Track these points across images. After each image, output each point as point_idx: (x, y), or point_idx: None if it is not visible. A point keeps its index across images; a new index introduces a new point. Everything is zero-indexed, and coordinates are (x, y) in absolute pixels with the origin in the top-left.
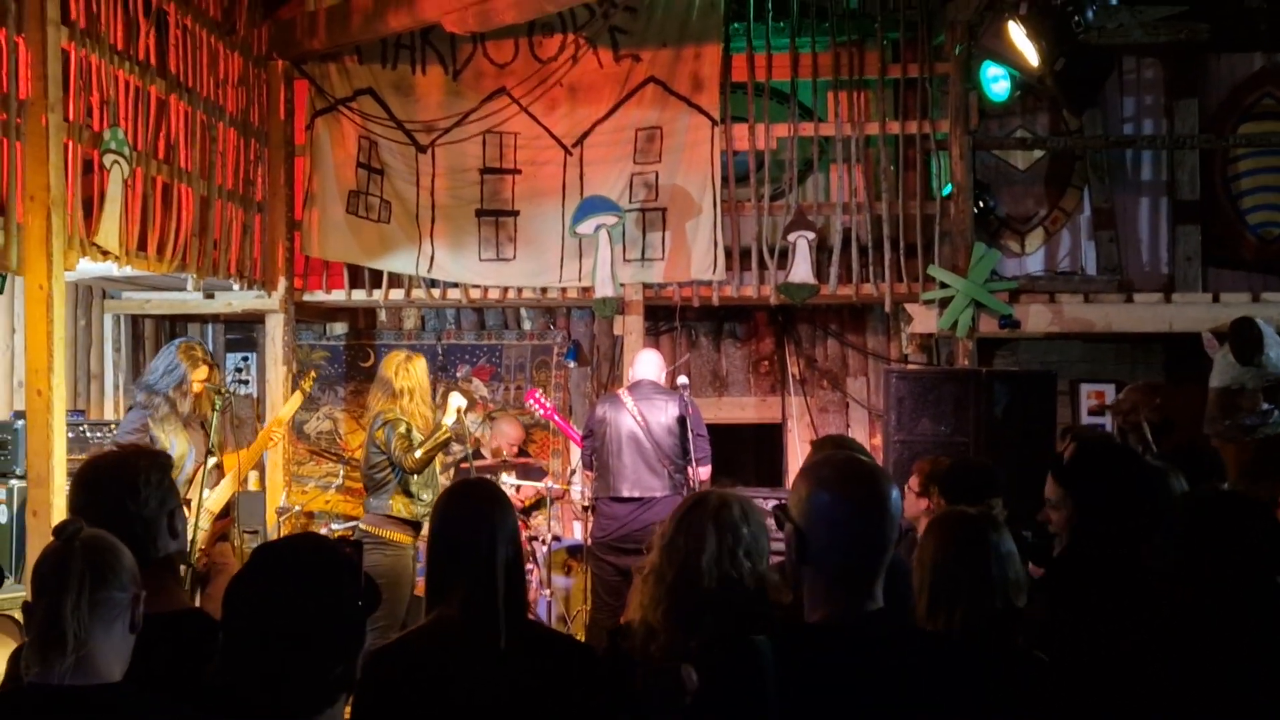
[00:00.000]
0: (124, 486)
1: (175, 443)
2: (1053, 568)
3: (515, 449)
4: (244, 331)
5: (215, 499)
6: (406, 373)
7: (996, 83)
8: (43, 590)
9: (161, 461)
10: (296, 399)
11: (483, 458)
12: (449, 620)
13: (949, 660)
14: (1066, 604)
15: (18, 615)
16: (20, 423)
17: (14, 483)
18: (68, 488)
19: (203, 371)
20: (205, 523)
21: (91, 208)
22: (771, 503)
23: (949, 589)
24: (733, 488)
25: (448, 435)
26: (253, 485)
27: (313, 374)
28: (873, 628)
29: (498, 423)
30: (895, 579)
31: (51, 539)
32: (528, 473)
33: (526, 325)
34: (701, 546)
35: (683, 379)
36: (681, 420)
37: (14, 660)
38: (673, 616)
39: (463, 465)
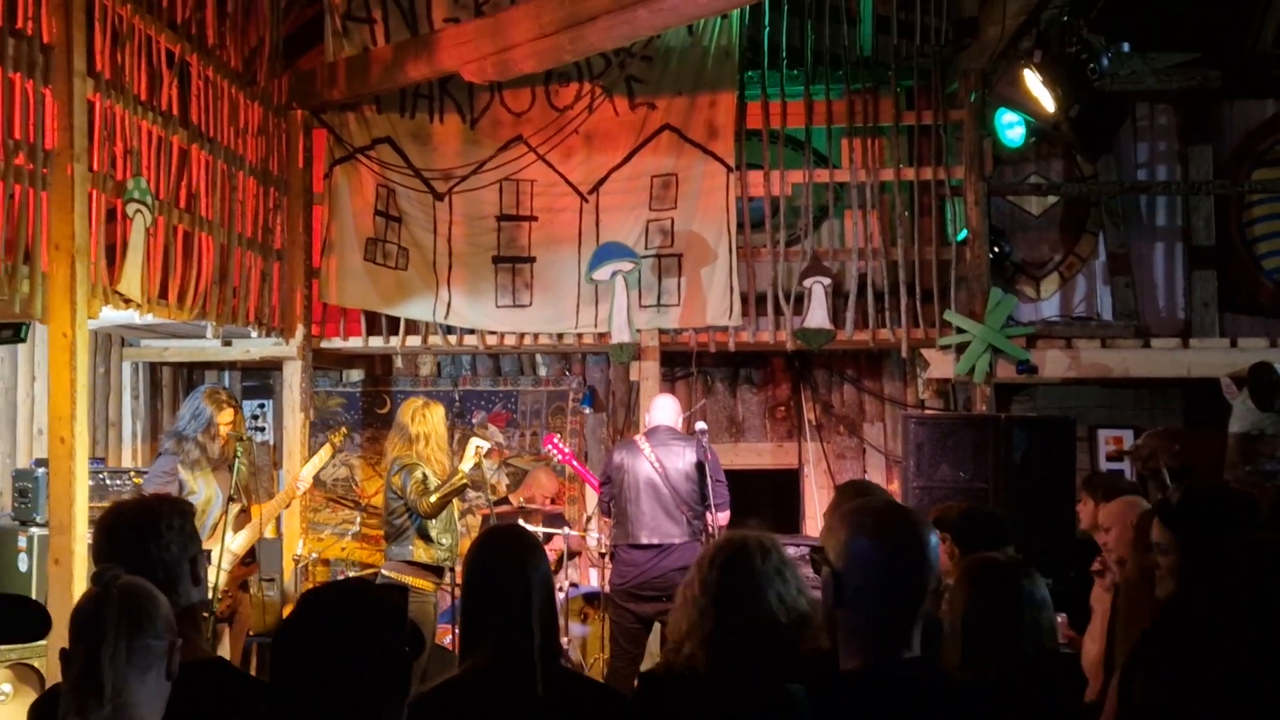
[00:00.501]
0: (146, 531)
1: (203, 487)
2: (1164, 615)
3: (549, 500)
4: (261, 379)
5: (240, 543)
6: (423, 419)
7: (1011, 129)
8: (80, 637)
9: (183, 508)
10: (325, 453)
11: (507, 504)
12: (482, 669)
13: (985, 712)
14: (1180, 651)
15: (38, 664)
16: (41, 470)
17: (35, 530)
18: (89, 535)
19: (228, 414)
20: (228, 564)
21: (114, 256)
22: (790, 549)
23: (981, 637)
24: (759, 529)
25: (464, 481)
26: (269, 533)
27: (344, 430)
28: (909, 676)
29: (534, 473)
30: (928, 632)
31: (89, 585)
32: (550, 521)
33: (542, 371)
34: (737, 586)
35: (701, 424)
36: (700, 466)
37: (35, 711)
38: (713, 657)
39: (483, 512)
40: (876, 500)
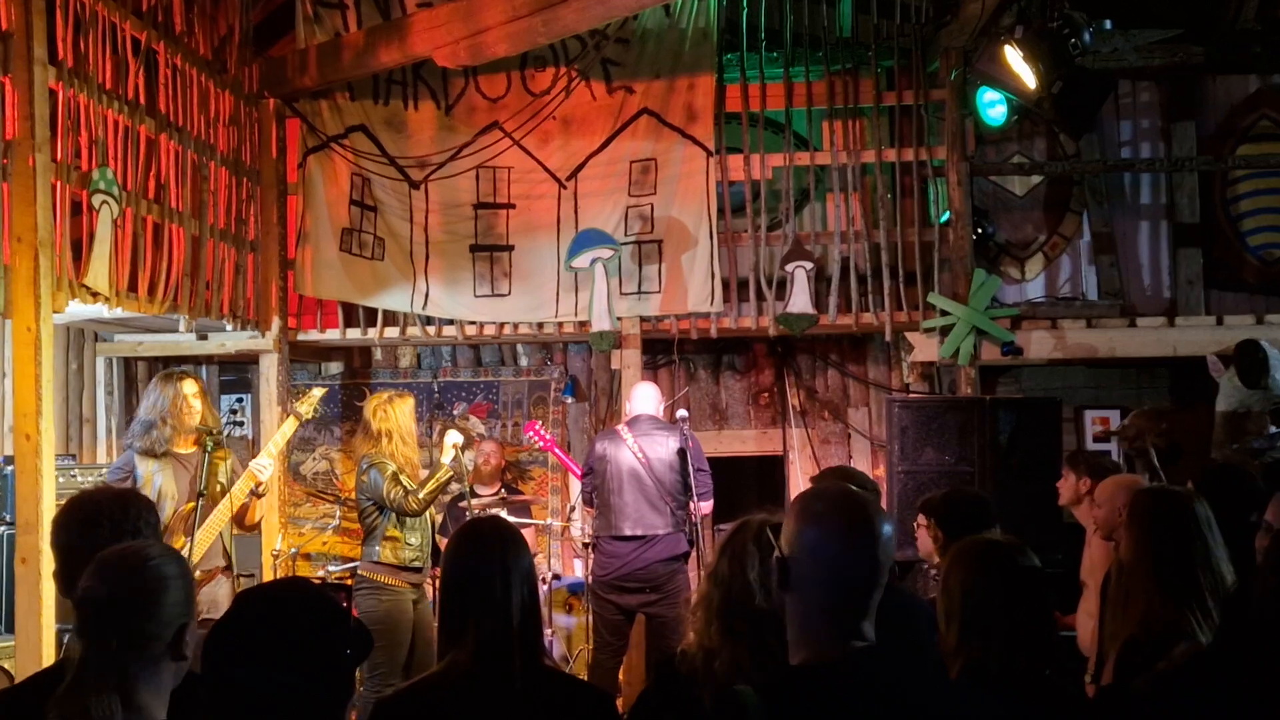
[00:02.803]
0: (125, 526)
1: (160, 480)
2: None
3: (490, 463)
4: (238, 373)
5: (195, 547)
6: (385, 414)
7: (993, 107)
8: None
9: (152, 504)
10: (290, 426)
11: (478, 495)
12: (461, 665)
13: (947, 695)
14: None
15: (8, 665)
16: (9, 468)
17: (2, 529)
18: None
19: (189, 384)
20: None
21: (80, 249)
22: None
23: (981, 619)
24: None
25: (449, 475)
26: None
27: (312, 395)
28: (861, 667)
29: (479, 443)
30: (912, 616)
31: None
32: (518, 511)
33: (523, 361)
34: (747, 565)
35: (682, 412)
36: (682, 453)
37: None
38: (729, 635)
39: (460, 505)
40: (831, 486)
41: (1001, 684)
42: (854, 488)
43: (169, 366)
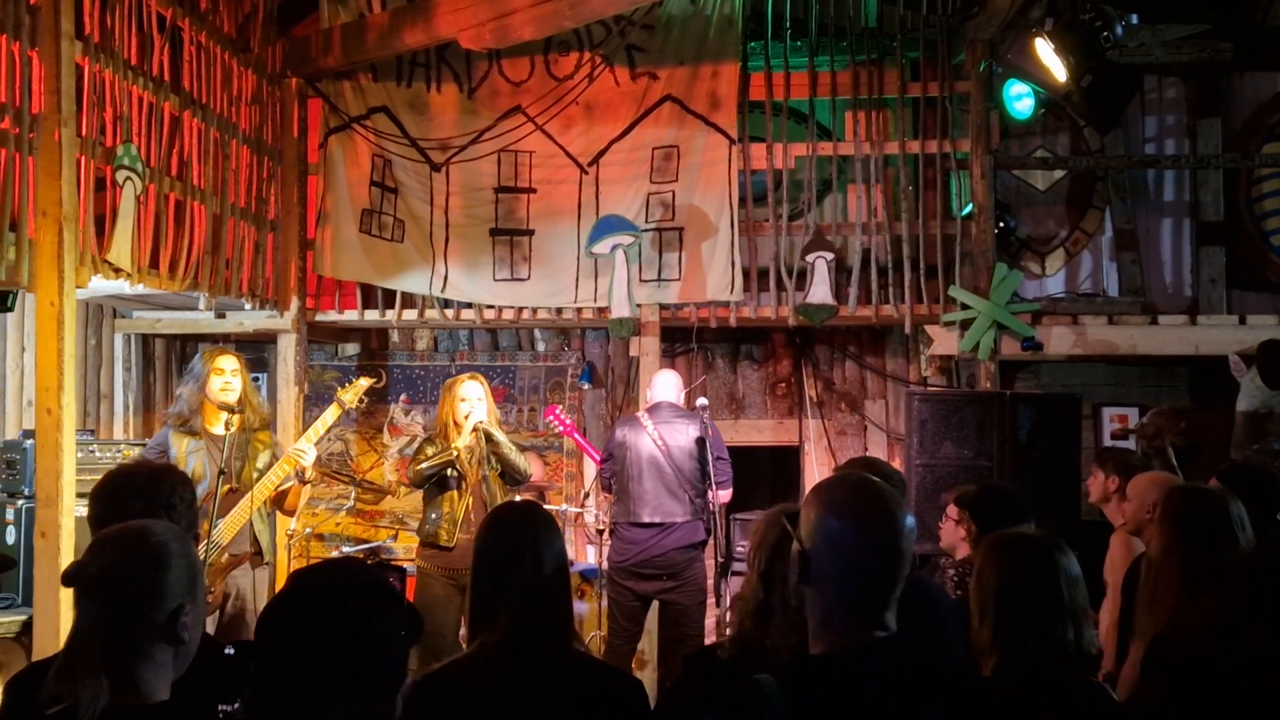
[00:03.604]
0: (157, 501)
1: (193, 460)
2: None
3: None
4: (255, 352)
5: (223, 530)
6: (441, 400)
7: (1020, 100)
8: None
9: (188, 481)
10: (333, 414)
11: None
12: (492, 648)
13: (966, 687)
14: None
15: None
16: (29, 442)
17: (21, 503)
18: (78, 508)
19: (226, 360)
20: (213, 556)
21: (104, 224)
22: None
23: (1015, 615)
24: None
25: (449, 458)
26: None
27: (359, 382)
28: (881, 658)
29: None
30: (933, 609)
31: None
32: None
33: (540, 346)
34: (781, 555)
35: (702, 400)
36: (701, 442)
37: (13, 686)
38: (772, 627)
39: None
40: (850, 476)
41: (1035, 681)
42: (874, 478)
43: (187, 344)
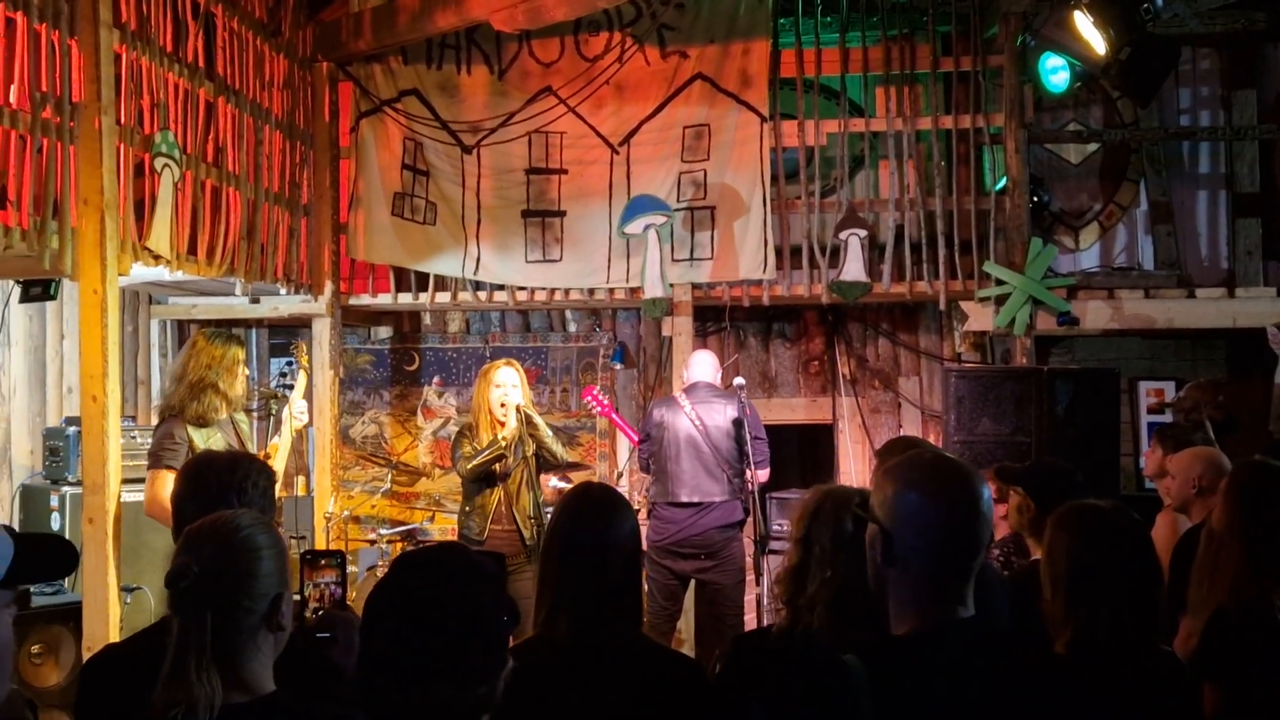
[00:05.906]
0: (230, 485)
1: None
2: None
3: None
4: (289, 336)
5: None
6: (476, 387)
7: (1056, 74)
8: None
9: (268, 471)
10: (302, 379)
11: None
12: (557, 632)
13: (1051, 669)
14: None
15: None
16: (72, 429)
17: (66, 489)
18: (123, 494)
19: (231, 351)
20: None
21: (143, 211)
22: None
23: (1089, 589)
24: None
25: (499, 451)
26: (299, 490)
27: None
28: (966, 637)
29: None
30: (989, 586)
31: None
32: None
33: (572, 328)
34: (837, 535)
35: (739, 379)
36: (738, 422)
37: (89, 672)
38: (808, 585)
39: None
40: (925, 453)
41: (1111, 654)
42: (948, 454)
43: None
